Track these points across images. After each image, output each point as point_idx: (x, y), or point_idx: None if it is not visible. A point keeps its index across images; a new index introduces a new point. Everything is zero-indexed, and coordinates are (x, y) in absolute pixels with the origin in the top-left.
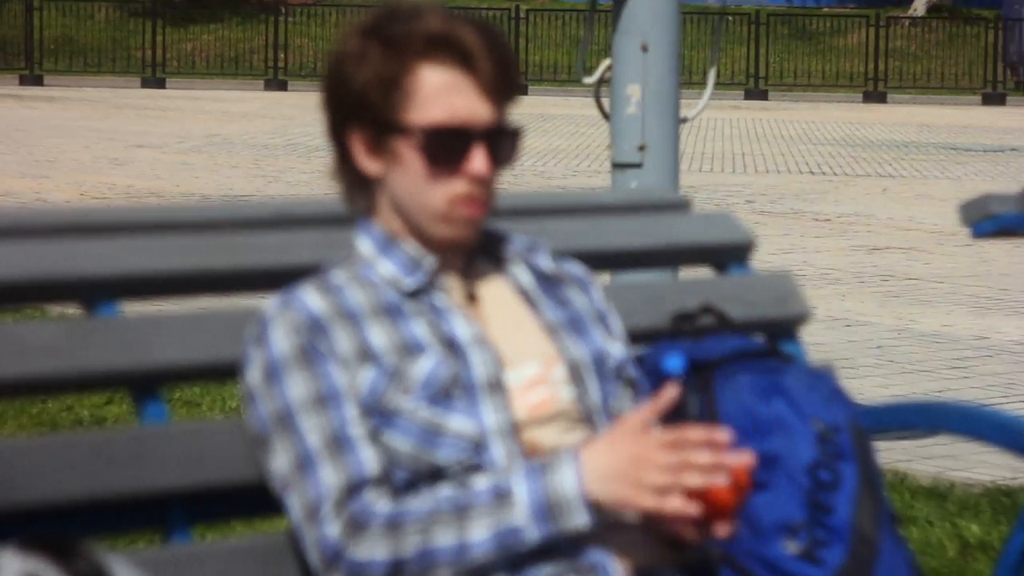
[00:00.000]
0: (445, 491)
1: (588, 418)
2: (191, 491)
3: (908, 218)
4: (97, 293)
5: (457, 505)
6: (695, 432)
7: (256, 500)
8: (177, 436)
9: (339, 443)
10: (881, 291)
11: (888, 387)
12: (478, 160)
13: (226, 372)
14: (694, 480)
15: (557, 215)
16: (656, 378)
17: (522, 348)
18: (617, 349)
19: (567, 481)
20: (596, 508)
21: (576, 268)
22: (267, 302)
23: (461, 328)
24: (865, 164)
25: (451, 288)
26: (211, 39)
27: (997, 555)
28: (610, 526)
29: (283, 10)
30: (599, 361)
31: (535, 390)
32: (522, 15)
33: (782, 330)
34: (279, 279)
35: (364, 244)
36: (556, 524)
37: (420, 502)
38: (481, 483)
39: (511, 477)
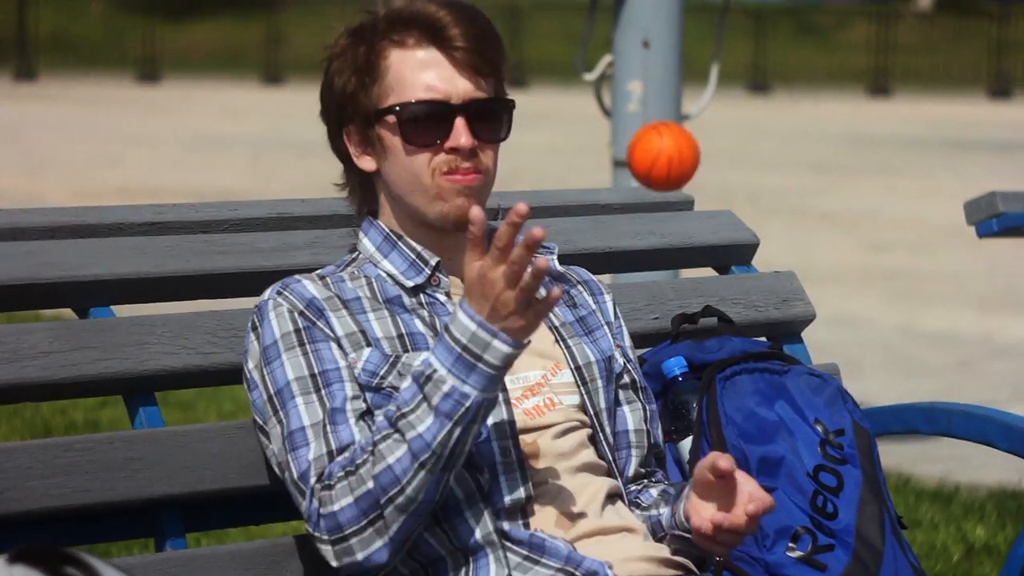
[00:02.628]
0: (379, 413)
1: (596, 421)
2: (185, 496)
3: (913, 215)
4: (90, 296)
5: (390, 417)
6: (500, 231)
7: (251, 505)
8: (171, 440)
9: (330, 419)
10: (886, 290)
11: (893, 387)
12: (459, 133)
13: (221, 376)
14: (529, 282)
15: (558, 214)
16: (657, 380)
17: (526, 352)
18: (618, 354)
19: (463, 323)
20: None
21: (586, 273)
22: (265, 291)
23: None
24: (870, 160)
25: (455, 288)
26: (206, 35)
27: (1002, 559)
28: (609, 536)
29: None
30: (607, 362)
31: (533, 397)
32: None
33: (786, 331)
34: (275, 280)
35: (367, 242)
36: (481, 363)
37: (363, 437)
38: (405, 384)
39: (423, 359)
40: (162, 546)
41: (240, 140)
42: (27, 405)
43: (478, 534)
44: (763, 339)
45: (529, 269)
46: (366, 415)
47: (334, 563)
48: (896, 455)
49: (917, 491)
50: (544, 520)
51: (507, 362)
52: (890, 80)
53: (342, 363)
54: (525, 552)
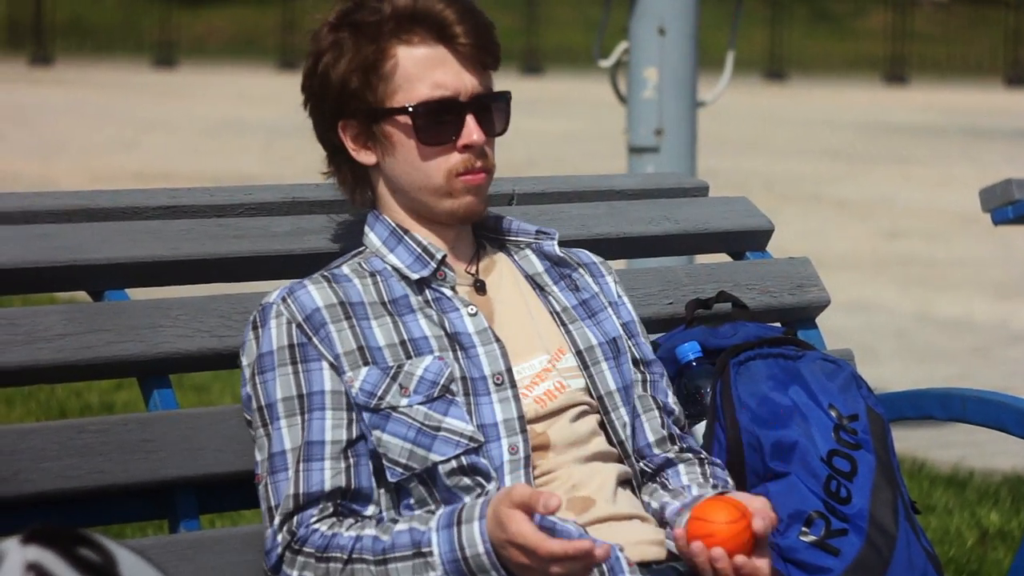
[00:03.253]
0: (365, 531)
1: (601, 404)
2: (199, 478)
3: (929, 203)
4: (105, 279)
5: (377, 550)
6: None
7: None
8: (185, 423)
9: (306, 452)
10: (901, 276)
11: (908, 373)
12: (471, 130)
13: (234, 359)
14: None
15: (573, 200)
16: (671, 365)
17: (531, 338)
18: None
19: (475, 539)
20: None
21: (587, 256)
22: (271, 293)
23: (467, 323)
24: (886, 148)
25: (459, 278)
26: (222, 21)
27: (1017, 544)
28: (621, 522)
29: None
30: (613, 343)
31: (542, 383)
32: None
33: (800, 317)
34: (289, 264)
35: (373, 236)
36: None
37: (347, 537)
38: (401, 528)
39: (429, 528)
40: (176, 528)
41: (255, 125)
42: (42, 387)
43: None
44: (777, 324)
45: None
46: (347, 449)
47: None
48: (911, 440)
49: (932, 476)
50: None
51: None
52: (906, 68)
53: (330, 387)
54: None
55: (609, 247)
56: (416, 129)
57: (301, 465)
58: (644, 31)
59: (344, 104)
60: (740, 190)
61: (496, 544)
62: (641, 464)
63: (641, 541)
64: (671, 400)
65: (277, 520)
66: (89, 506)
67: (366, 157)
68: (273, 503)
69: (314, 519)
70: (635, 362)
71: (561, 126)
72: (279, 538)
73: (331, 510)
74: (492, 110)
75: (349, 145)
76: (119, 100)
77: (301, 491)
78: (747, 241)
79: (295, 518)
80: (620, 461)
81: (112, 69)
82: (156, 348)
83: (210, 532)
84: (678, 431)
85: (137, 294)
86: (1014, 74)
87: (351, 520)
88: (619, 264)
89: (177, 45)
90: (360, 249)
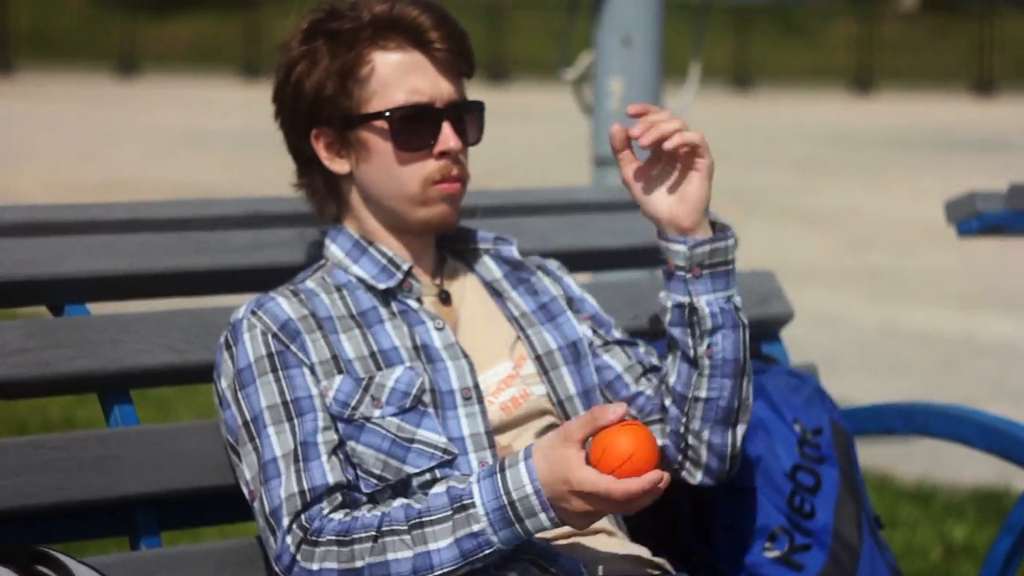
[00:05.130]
0: (398, 503)
1: (561, 409)
2: (159, 495)
3: (895, 214)
4: (65, 294)
5: (410, 515)
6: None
7: (227, 504)
8: (145, 439)
9: (301, 452)
10: (867, 289)
11: (873, 386)
12: (447, 136)
13: (196, 374)
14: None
15: (536, 213)
16: None
17: (494, 346)
18: (584, 329)
19: (523, 481)
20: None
21: (542, 259)
22: (239, 308)
23: (434, 338)
24: (852, 159)
25: (424, 289)
26: (185, 31)
27: (982, 559)
28: (587, 536)
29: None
30: (573, 347)
31: (507, 389)
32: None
33: (764, 330)
34: (250, 278)
35: (335, 248)
36: (520, 526)
37: (372, 515)
38: (438, 490)
39: (469, 483)
40: (137, 544)
41: (219, 136)
42: (1, 403)
43: None
44: None
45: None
46: (339, 448)
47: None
48: (876, 455)
49: (897, 491)
50: None
51: (539, 532)
52: (873, 78)
53: (314, 391)
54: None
55: (573, 260)
56: (393, 134)
57: (300, 465)
58: (608, 41)
59: (318, 112)
60: None
61: (553, 495)
62: (645, 416)
63: (608, 556)
64: (654, 359)
65: (285, 522)
66: (49, 523)
67: (339, 166)
68: (271, 508)
69: (326, 511)
70: (611, 343)
71: (526, 136)
72: (289, 539)
73: (340, 500)
74: (466, 119)
75: (322, 154)
76: (81, 110)
77: (306, 487)
78: None
79: (304, 515)
80: None
81: (74, 79)
82: (116, 363)
83: (171, 549)
84: (646, 358)
85: (97, 309)
86: (980, 85)
87: (369, 504)
88: (583, 277)
89: (140, 55)
90: (321, 263)
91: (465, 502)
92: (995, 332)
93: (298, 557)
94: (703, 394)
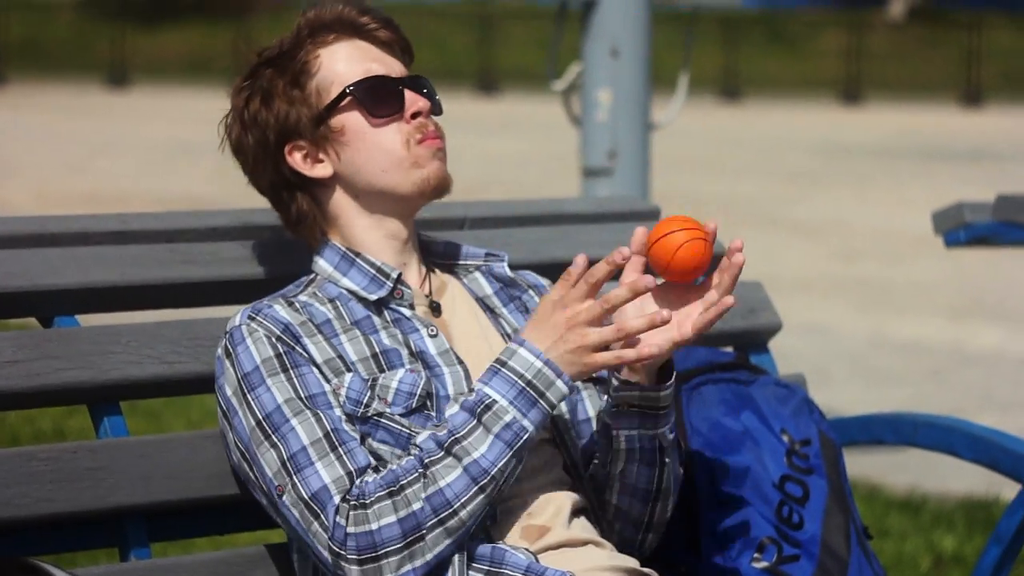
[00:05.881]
0: (421, 437)
1: (553, 425)
2: (149, 506)
3: (884, 224)
4: (55, 305)
5: (441, 441)
6: (598, 268)
7: (217, 515)
8: (135, 450)
9: (335, 439)
10: (856, 299)
11: (861, 397)
12: (413, 98)
13: (186, 385)
14: (635, 324)
15: (525, 224)
16: None
17: (487, 361)
18: None
19: (528, 360)
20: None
21: (535, 277)
22: (234, 317)
23: (428, 344)
24: (841, 169)
25: (416, 299)
26: (176, 42)
27: (971, 569)
28: (576, 548)
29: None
30: (575, 391)
31: None
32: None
33: (752, 341)
34: (241, 290)
35: (323, 263)
36: (544, 401)
37: (407, 459)
38: (452, 411)
39: (475, 391)
40: (127, 556)
41: (209, 147)
42: None
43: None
44: (729, 349)
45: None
46: (363, 440)
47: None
48: (865, 465)
49: (886, 501)
50: (509, 534)
51: (561, 401)
52: (862, 88)
53: (327, 387)
54: (486, 567)
55: (561, 271)
56: (362, 105)
57: (340, 449)
58: (597, 52)
59: (286, 129)
60: (695, 212)
61: (558, 353)
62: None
63: (596, 567)
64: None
65: (336, 500)
66: (39, 534)
67: (321, 170)
68: (311, 493)
69: (360, 481)
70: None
71: (515, 147)
72: (339, 517)
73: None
74: (425, 90)
75: (300, 166)
76: (71, 122)
77: (352, 468)
78: None
79: (350, 491)
80: (574, 489)
81: (65, 90)
82: (106, 375)
83: (161, 560)
84: None
85: (87, 320)
86: (969, 95)
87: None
88: None
89: (130, 66)
90: (310, 277)
91: (486, 402)
92: (984, 342)
93: (350, 528)
94: (613, 500)
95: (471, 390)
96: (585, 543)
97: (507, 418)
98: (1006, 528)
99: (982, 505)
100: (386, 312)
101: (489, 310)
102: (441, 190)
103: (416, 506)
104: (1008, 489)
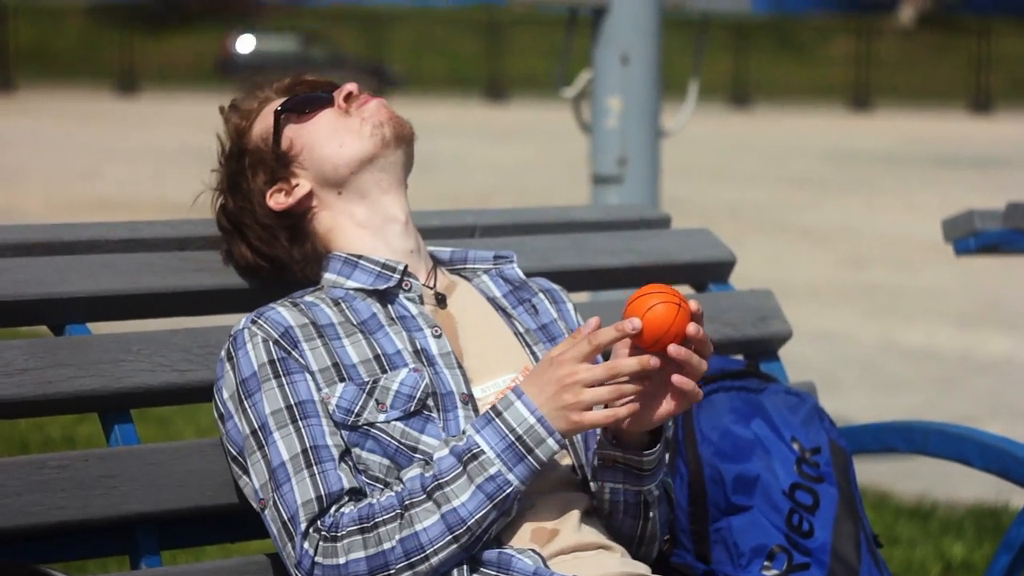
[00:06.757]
0: (408, 474)
1: None
2: (160, 514)
3: (894, 231)
4: (66, 313)
5: (425, 484)
6: (604, 333)
7: (228, 523)
8: (146, 458)
9: (312, 457)
10: (865, 306)
11: (872, 404)
12: (340, 90)
13: (197, 393)
14: (625, 363)
15: (535, 232)
16: None
17: (498, 357)
18: None
19: (522, 415)
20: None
21: (546, 282)
22: (240, 320)
23: (431, 345)
24: (850, 176)
25: (422, 296)
26: (185, 48)
27: None
28: (586, 552)
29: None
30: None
31: None
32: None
33: (762, 349)
34: (251, 297)
35: (328, 273)
36: (531, 457)
37: (388, 496)
38: (441, 454)
39: (466, 437)
40: (137, 564)
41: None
42: (2, 422)
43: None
44: (739, 357)
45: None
46: (347, 454)
47: None
48: (875, 472)
49: (896, 508)
50: (519, 537)
51: (550, 457)
52: (871, 95)
53: (317, 396)
54: (493, 572)
55: (571, 279)
56: (294, 112)
57: (315, 469)
58: (607, 60)
59: (255, 171)
60: (704, 219)
61: (551, 411)
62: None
63: (607, 572)
64: None
65: (303, 526)
66: (50, 542)
67: (300, 190)
68: (288, 515)
69: (335, 508)
70: None
71: (525, 154)
72: (307, 544)
73: (350, 502)
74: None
75: (283, 201)
76: (81, 128)
77: (323, 492)
78: (709, 273)
79: (320, 520)
80: (584, 490)
81: (74, 96)
82: (117, 383)
83: (172, 568)
84: None
85: (98, 328)
86: (978, 101)
87: (379, 493)
88: (582, 296)
89: (139, 72)
90: (318, 287)
91: (474, 451)
92: (994, 349)
93: (318, 559)
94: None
95: (464, 433)
96: (596, 547)
97: (491, 470)
98: (1016, 536)
99: (991, 513)
100: (391, 308)
101: (501, 310)
102: (402, 136)
103: (387, 545)
104: (1017, 497)
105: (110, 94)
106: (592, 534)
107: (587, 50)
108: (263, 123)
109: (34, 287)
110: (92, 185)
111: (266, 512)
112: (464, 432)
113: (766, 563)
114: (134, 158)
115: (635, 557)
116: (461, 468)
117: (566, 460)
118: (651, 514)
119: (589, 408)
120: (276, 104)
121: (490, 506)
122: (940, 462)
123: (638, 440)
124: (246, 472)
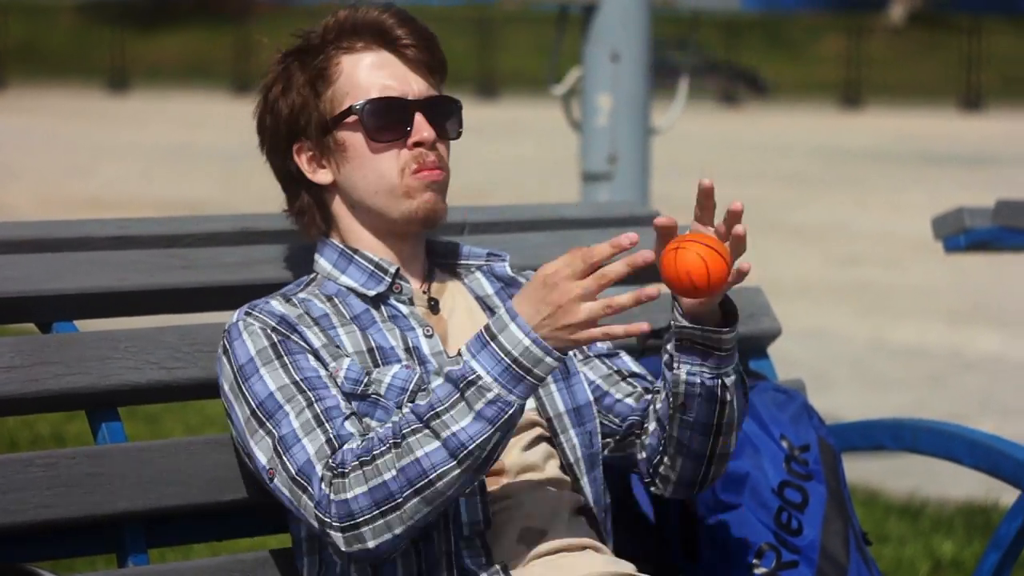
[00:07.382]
0: (405, 408)
1: (550, 426)
2: (147, 512)
3: (883, 229)
4: (54, 311)
5: (421, 413)
6: (599, 247)
7: (216, 521)
8: (134, 456)
9: (324, 416)
10: (856, 303)
11: (861, 401)
12: (420, 126)
13: (184, 391)
14: (622, 299)
15: (525, 229)
16: None
17: None
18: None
19: (518, 337)
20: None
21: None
22: (232, 315)
23: (423, 344)
24: (840, 173)
25: (414, 296)
26: (176, 46)
27: (970, 574)
28: (573, 552)
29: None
30: (563, 363)
31: None
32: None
33: (751, 347)
34: (240, 295)
35: (323, 261)
36: (531, 376)
37: (384, 428)
38: (438, 382)
39: (463, 362)
40: (125, 562)
41: (210, 151)
42: None
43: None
44: None
45: (612, 298)
46: (355, 416)
47: (343, 548)
48: (865, 470)
49: (885, 506)
50: (507, 537)
51: (549, 374)
52: (862, 93)
53: (322, 371)
54: None
55: None
56: (364, 127)
57: (326, 425)
58: (597, 57)
59: (296, 125)
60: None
61: (547, 330)
62: (624, 423)
63: (595, 572)
64: (635, 367)
65: (318, 469)
66: (37, 540)
67: (322, 176)
68: (297, 468)
69: (345, 447)
70: (596, 357)
71: (515, 151)
72: (323, 484)
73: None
74: (443, 114)
75: (305, 168)
76: (72, 126)
77: (332, 435)
78: None
79: (332, 458)
80: (573, 489)
81: (65, 94)
82: (105, 381)
83: (159, 566)
84: (626, 365)
85: (86, 326)
86: (968, 100)
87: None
88: None
89: (130, 70)
90: (311, 276)
91: (470, 378)
92: (983, 347)
93: (332, 496)
94: (675, 434)
95: (459, 355)
96: (584, 548)
97: (490, 395)
98: (1005, 533)
99: (981, 510)
100: (384, 308)
101: (489, 309)
102: (430, 223)
103: (387, 476)
104: (1007, 494)
105: (101, 92)
106: (579, 534)
107: (577, 48)
108: (348, 77)
109: (22, 284)
110: (82, 183)
111: (275, 480)
112: (459, 354)
113: (755, 561)
114: (125, 156)
115: (705, 475)
116: (459, 395)
117: (555, 461)
118: (728, 398)
119: (585, 325)
120: (369, 74)
121: (492, 429)
122: (930, 460)
123: (712, 318)
124: (252, 454)
